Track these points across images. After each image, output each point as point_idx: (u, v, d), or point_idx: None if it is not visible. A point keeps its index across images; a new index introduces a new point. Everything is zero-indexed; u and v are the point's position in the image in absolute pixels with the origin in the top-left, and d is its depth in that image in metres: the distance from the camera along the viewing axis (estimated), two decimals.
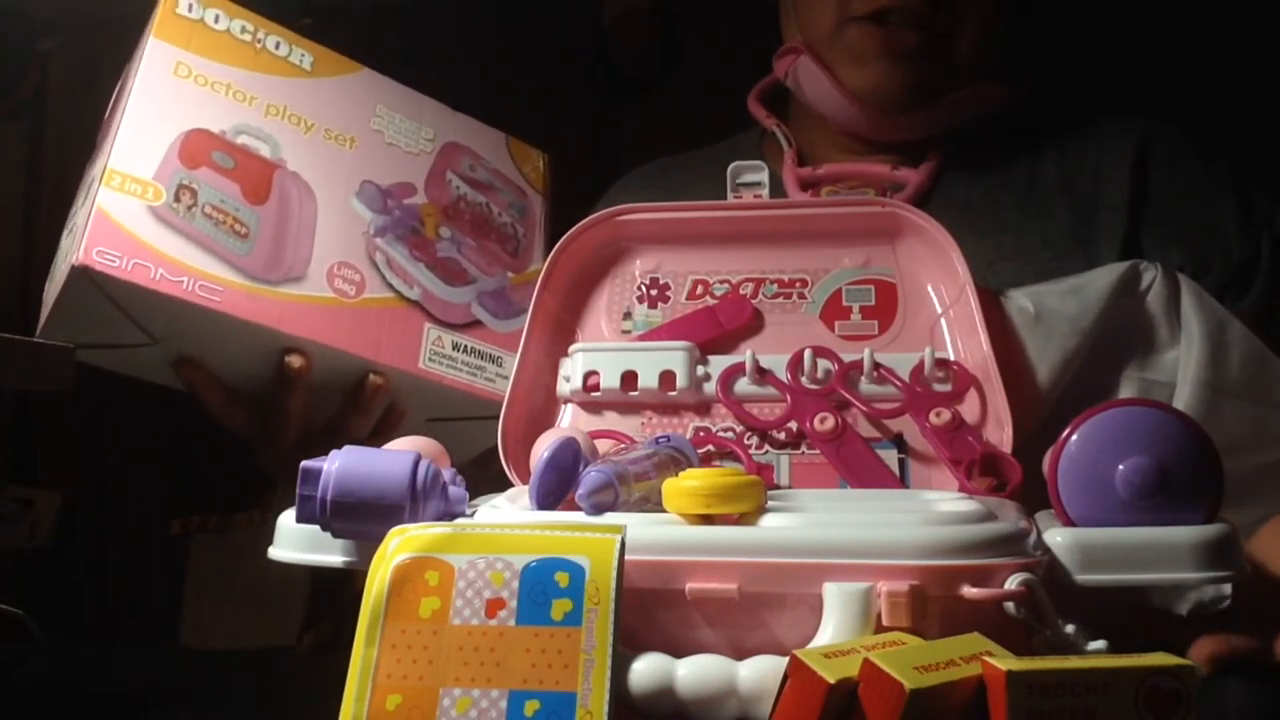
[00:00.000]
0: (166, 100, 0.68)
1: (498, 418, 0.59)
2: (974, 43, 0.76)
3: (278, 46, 0.73)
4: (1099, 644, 0.39)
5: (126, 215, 0.63)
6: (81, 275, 0.62)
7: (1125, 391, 0.60)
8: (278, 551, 0.48)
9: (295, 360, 0.67)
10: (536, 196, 0.82)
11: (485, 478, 0.58)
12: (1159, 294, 0.60)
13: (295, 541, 0.47)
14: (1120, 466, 0.43)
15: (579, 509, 0.44)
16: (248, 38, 0.72)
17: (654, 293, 0.63)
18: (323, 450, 0.74)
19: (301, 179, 0.70)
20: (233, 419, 0.73)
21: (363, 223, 0.72)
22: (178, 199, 0.65)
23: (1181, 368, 0.58)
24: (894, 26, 0.75)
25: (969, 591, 0.39)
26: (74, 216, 0.69)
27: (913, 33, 0.75)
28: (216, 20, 0.71)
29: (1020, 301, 0.60)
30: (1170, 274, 0.61)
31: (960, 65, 0.77)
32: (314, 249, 0.69)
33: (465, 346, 0.73)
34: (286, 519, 0.48)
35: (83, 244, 0.62)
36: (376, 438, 0.74)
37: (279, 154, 0.70)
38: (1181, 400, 0.57)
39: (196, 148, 0.67)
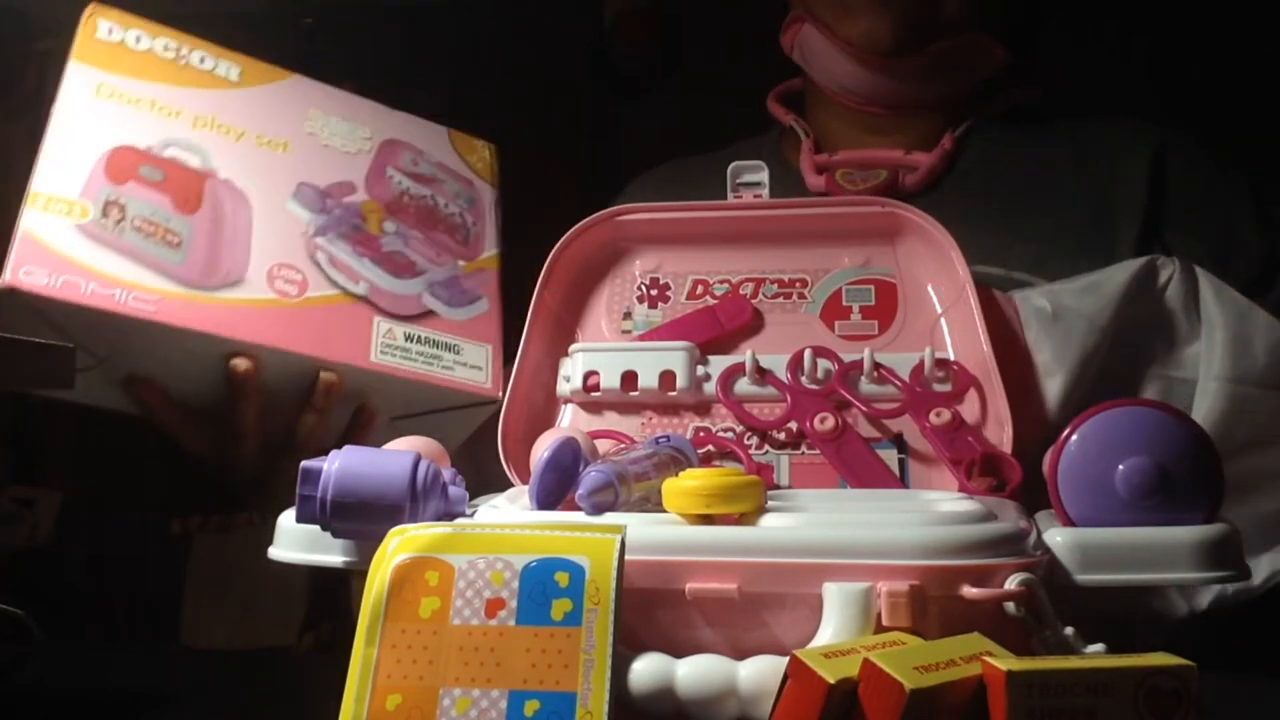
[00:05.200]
0: (89, 120, 0.67)
1: (464, 408, 0.58)
2: None
3: (203, 60, 0.73)
4: (1097, 647, 0.39)
5: (53, 234, 0.63)
6: (9, 296, 0.61)
7: (1148, 390, 0.59)
8: (278, 551, 0.48)
9: (241, 363, 0.66)
10: (484, 185, 0.81)
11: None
12: (1178, 289, 0.59)
13: (295, 541, 0.47)
14: (1120, 466, 0.43)
15: (579, 509, 0.44)
16: (171, 54, 0.72)
17: (654, 293, 0.63)
18: (288, 460, 0.71)
19: (234, 186, 0.70)
20: (189, 437, 0.71)
21: (301, 224, 0.71)
22: (105, 214, 0.65)
23: (1203, 362, 0.57)
24: None
25: (969, 591, 0.39)
26: None
27: None
28: (138, 40, 0.71)
29: (1037, 302, 0.60)
30: (1188, 268, 0.59)
31: (948, 17, 0.77)
32: (251, 253, 0.69)
33: (418, 337, 0.72)
34: (286, 519, 0.48)
35: (9, 265, 0.61)
36: (350, 442, 0.73)
37: (209, 163, 0.70)
38: (1205, 395, 0.56)
39: (123, 163, 0.67)
